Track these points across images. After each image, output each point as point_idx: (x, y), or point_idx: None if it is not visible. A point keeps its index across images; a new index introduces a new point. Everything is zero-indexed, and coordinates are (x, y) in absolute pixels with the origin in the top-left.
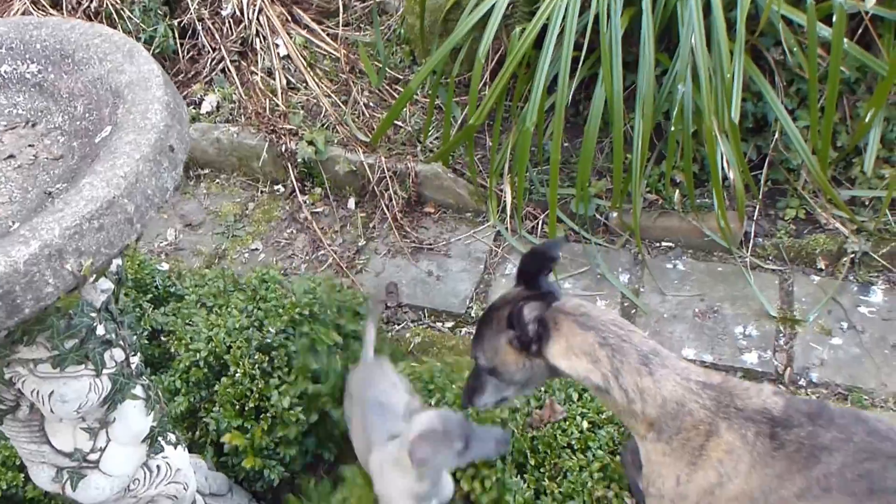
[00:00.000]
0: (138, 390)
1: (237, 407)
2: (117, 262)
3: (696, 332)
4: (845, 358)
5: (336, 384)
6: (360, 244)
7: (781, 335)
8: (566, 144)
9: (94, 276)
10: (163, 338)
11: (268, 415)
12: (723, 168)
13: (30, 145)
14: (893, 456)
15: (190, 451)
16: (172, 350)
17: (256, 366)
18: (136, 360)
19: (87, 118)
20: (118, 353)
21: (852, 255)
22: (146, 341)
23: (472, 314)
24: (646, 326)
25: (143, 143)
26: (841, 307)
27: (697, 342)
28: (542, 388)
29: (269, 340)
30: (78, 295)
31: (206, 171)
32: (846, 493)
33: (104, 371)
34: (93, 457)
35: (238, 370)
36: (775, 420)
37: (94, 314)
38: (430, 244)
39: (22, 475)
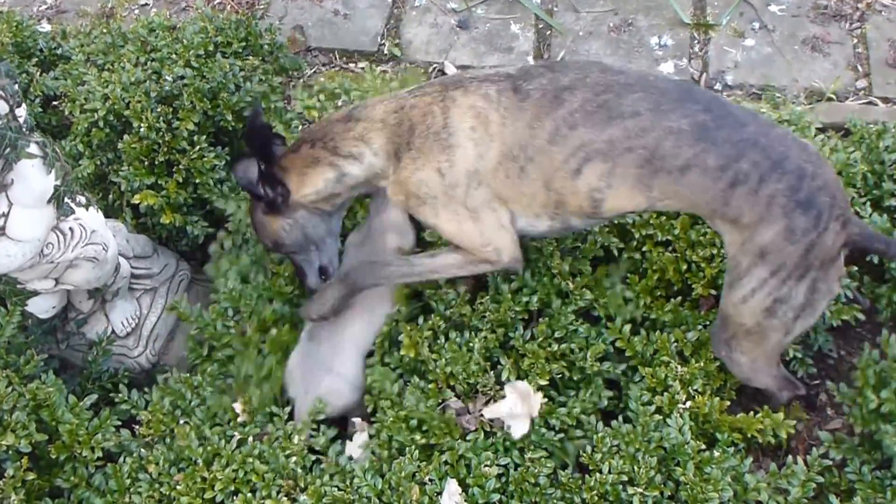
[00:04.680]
0: (33, 148)
1: (146, 164)
2: None
3: (613, 48)
4: (758, 58)
5: (241, 100)
6: None
7: (696, 42)
8: None
9: None
10: (57, 104)
11: (181, 167)
12: None
13: None
14: (626, 84)
15: (106, 217)
16: (68, 113)
17: (160, 118)
18: (22, 112)
19: None
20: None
21: None
22: (40, 109)
23: (385, 51)
24: (562, 47)
25: None
26: (752, 7)
27: (614, 57)
28: None
29: (167, 89)
30: None
31: None
32: (589, 125)
33: None
34: None
35: (142, 125)
36: (514, 76)
37: None
38: None
39: None
